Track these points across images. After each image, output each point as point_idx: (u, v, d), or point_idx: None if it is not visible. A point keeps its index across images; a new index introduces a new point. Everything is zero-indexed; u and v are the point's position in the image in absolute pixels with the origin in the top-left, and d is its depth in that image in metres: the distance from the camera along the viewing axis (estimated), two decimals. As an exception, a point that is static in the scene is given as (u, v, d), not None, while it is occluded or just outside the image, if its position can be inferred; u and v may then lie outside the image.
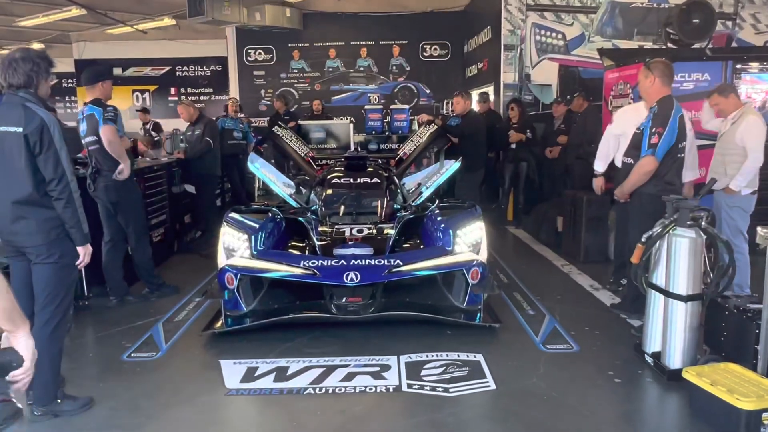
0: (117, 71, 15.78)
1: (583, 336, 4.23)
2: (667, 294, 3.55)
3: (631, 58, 7.08)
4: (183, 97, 15.03)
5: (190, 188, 7.42)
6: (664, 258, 3.58)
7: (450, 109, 11.59)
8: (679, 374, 3.37)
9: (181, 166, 7.29)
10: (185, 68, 15.87)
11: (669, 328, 3.53)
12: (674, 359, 3.52)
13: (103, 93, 4.82)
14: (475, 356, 3.87)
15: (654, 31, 9.13)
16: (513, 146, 8.13)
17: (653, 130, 3.98)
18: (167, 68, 15.91)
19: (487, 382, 3.52)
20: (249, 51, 13.35)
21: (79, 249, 3.20)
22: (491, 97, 9.72)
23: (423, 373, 3.65)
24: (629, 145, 4.30)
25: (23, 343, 1.59)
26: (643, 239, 3.60)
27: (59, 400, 3.20)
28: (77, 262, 3.23)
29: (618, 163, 4.76)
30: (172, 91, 15.96)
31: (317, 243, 4.77)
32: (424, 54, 13.36)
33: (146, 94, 16.07)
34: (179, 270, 6.35)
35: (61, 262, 3.15)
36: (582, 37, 9.25)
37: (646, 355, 3.73)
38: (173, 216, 7.06)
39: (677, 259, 3.48)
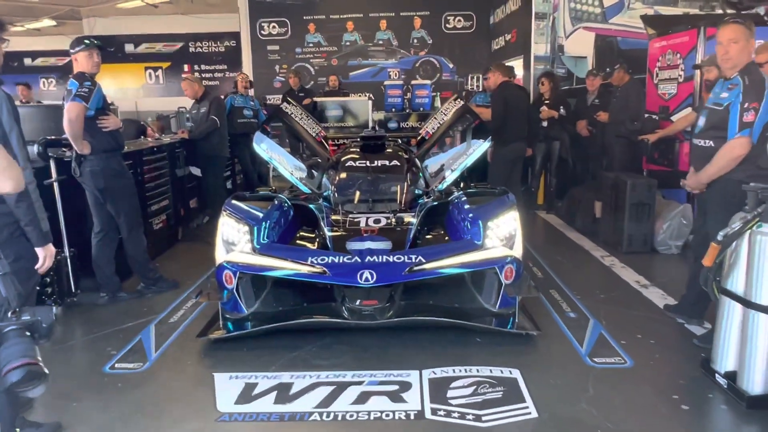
0: (129, 48, 15.37)
1: (635, 346, 3.62)
2: (747, 304, 2.93)
3: (680, 26, 6.36)
4: (191, 74, 14.49)
5: (196, 171, 6.91)
6: (744, 260, 2.95)
7: (475, 84, 10.92)
8: (761, 401, 2.80)
9: (185, 147, 6.77)
10: (198, 44, 15.33)
11: (749, 345, 2.92)
12: (755, 382, 2.91)
13: (84, 66, 4.27)
14: (510, 372, 3.30)
15: (701, -4, 8.35)
16: (544, 124, 7.44)
17: (746, 105, 3.23)
18: (180, 44, 15.38)
19: (527, 407, 2.95)
20: (262, 24, 12.71)
21: (38, 250, 2.68)
22: (521, 72, 9.03)
23: (450, 393, 3.09)
24: (705, 124, 3.53)
25: None
26: (719, 237, 2.97)
27: (18, 429, 2.70)
28: (36, 266, 2.71)
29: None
30: (186, 68, 15.40)
31: (328, 234, 4.22)
32: (447, 26, 12.60)
33: (159, 71, 15.58)
34: (182, 260, 5.87)
35: (15, 267, 2.62)
36: (621, 4, 8.45)
37: (717, 375, 3.12)
38: (177, 201, 6.56)
39: (762, 261, 2.85)
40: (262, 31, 12.77)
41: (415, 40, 12.68)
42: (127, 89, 15.11)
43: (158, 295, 4.71)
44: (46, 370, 1.91)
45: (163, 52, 15.49)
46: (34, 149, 4.35)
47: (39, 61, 16.42)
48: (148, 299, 4.66)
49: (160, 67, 15.62)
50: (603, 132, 7.20)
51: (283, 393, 3.13)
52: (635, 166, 6.69)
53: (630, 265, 5.28)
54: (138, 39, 15.25)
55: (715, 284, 3.10)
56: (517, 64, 9.33)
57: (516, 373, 3.27)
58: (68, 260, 4.43)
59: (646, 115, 6.63)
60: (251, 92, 8.73)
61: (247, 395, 3.13)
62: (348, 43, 12.76)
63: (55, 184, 4.40)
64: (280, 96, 10.94)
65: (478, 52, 12.13)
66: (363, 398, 3.07)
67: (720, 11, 7.83)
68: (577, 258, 5.71)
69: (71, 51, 4.27)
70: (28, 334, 1.97)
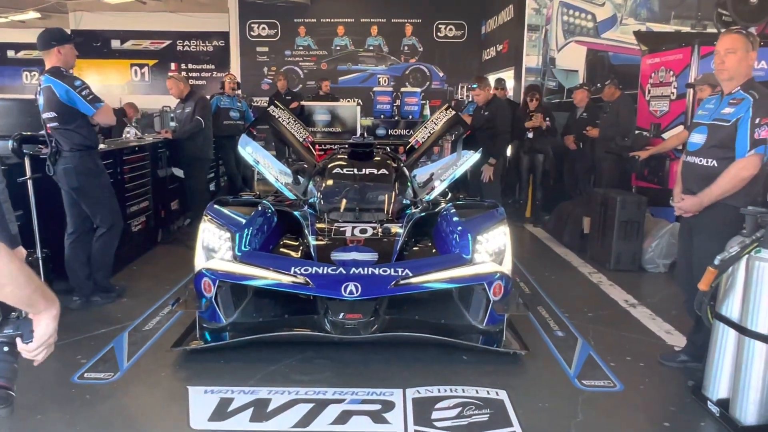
0: (115, 44, 15.11)
1: (625, 369, 3.53)
2: (742, 330, 2.85)
3: (672, 43, 6.34)
4: (177, 72, 14.28)
5: (179, 172, 6.73)
6: (740, 285, 2.88)
7: (465, 95, 10.85)
8: (755, 432, 2.71)
9: (168, 148, 6.61)
10: (186, 43, 15.09)
11: (743, 373, 2.84)
12: (748, 412, 2.82)
13: (63, 60, 4.11)
14: (497, 393, 3.18)
15: (693, 15, 8.37)
16: (530, 135, 7.38)
17: (758, 121, 3.02)
18: (167, 42, 15.14)
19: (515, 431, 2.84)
20: (252, 25, 12.57)
21: (5, 254, 2.52)
22: (511, 83, 8.97)
23: (434, 415, 2.97)
24: (706, 141, 3.26)
25: (42, 326, 1.45)
26: (716, 261, 2.89)
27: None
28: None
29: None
30: (173, 66, 15.16)
31: (312, 243, 4.08)
32: (439, 34, 12.56)
33: (145, 69, 15.33)
34: (160, 264, 5.71)
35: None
36: (614, 19, 8.44)
37: (708, 402, 3.04)
38: (158, 202, 6.38)
39: (759, 288, 2.77)
40: (252, 32, 12.64)
41: (406, 48, 12.63)
42: (112, 85, 14.84)
43: (133, 301, 4.55)
44: (14, 393, 1.71)
45: (150, 49, 15.24)
46: (8, 145, 4.19)
47: (22, 54, 16.10)
48: (122, 304, 4.49)
49: (147, 65, 15.37)
50: (593, 147, 7.16)
51: (260, 410, 2.99)
52: (624, 183, 6.65)
53: (618, 283, 5.21)
54: (125, 35, 15.00)
55: (709, 309, 3.02)
56: (507, 76, 9.28)
57: (503, 395, 3.16)
58: (40, 262, 4.26)
59: (637, 132, 6.60)
60: (239, 93, 8.57)
61: (222, 411, 2.98)
62: (338, 48, 12.67)
63: (29, 182, 4.23)
64: (267, 98, 10.81)
65: (469, 61, 12.11)
66: (344, 418, 2.94)
67: (713, 30, 7.83)
68: (564, 274, 5.63)
69: (54, 41, 4.09)
70: (5, 349, 1.76)
